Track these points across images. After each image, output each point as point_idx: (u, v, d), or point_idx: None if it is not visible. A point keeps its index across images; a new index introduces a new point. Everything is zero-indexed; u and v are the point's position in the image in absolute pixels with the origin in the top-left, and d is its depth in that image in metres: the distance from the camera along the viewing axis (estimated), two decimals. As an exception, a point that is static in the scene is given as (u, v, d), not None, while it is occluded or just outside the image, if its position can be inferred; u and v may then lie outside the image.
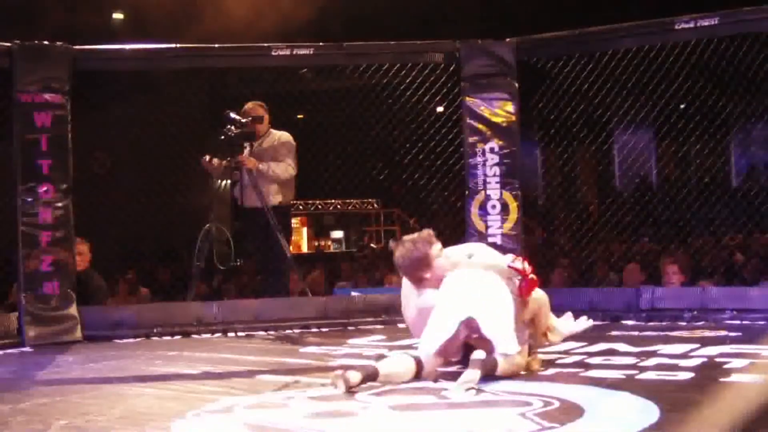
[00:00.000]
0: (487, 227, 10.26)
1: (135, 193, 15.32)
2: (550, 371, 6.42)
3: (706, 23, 9.71)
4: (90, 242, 10.60)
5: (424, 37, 11.02)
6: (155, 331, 9.48)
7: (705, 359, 6.69)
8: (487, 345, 6.09)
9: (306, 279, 11.57)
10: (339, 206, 33.67)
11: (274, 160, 10.29)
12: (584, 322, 6.90)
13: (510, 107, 10.35)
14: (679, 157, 13.26)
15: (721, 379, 5.90)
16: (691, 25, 9.76)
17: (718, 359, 6.66)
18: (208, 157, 10.32)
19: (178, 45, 10.39)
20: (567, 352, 7.17)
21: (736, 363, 6.43)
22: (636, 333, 8.47)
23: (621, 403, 5.28)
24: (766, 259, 12.49)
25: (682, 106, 11.53)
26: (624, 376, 6.12)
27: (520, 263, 6.39)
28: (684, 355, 6.86)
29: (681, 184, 12.03)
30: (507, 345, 6.06)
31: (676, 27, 9.87)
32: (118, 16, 19.88)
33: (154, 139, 14.06)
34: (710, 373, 6.12)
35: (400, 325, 9.64)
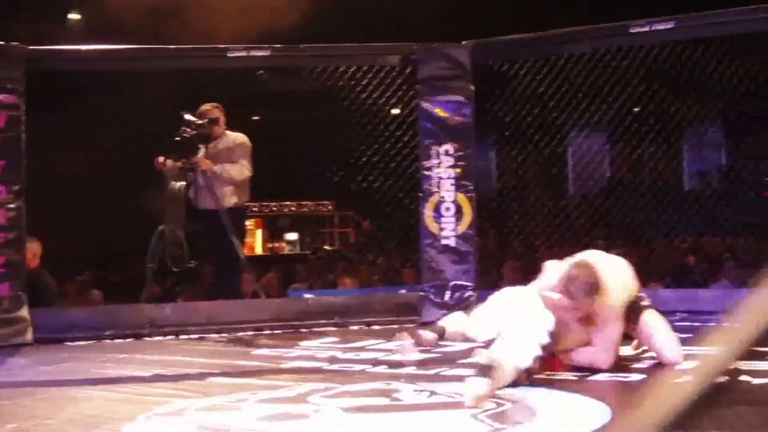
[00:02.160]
0: (441, 229, 10.26)
1: (88, 193, 15.25)
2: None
3: (661, 27, 9.77)
4: (39, 240, 10.51)
5: (380, 40, 11.02)
6: (107, 333, 9.41)
7: (656, 361, 6.72)
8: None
9: (260, 281, 11.54)
10: (294, 208, 33.63)
11: (230, 161, 10.24)
12: None
13: (465, 110, 10.36)
14: (632, 160, 13.34)
15: (673, 381, 5.91)
16: (646, 29, 9.82)
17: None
18: (161, 159, 10.27)
19: (134, 46, 10.35)
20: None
21: (686, 364, 6.47)
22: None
23: (573, 404, 5.30)
24: (716, 262, 12.57)
25: (636, 110, 11.60)
26: (576, 378, 6.14)
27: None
28: (636, 357, 6.89)
29: (634, 187, 12.08)
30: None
31: (631, 31, 9.91)
32: (74, 16, 19.78)
33: (108, 140, 13.99)
34: (661, 375, 6.15)
35: (353, 328, 9.67)
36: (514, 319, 6.03)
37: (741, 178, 14.30)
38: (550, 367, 6.26)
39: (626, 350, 6.89)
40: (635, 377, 6.13)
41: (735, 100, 11.16)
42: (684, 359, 6.40)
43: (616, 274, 6.37)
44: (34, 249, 10.23)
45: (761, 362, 6.38)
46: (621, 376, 6.14)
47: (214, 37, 12.45)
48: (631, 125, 11.63)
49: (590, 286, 6.05)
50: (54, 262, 11.46)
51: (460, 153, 10.31)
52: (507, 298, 6.37)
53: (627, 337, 6.66)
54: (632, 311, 6.54)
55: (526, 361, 5.81)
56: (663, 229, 12.93)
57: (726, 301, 9.00)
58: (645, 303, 6.60)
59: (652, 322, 6.52)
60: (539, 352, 5.90)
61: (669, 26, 9.79)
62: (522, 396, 5.46)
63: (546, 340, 5.93)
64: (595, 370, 6.29)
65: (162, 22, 13.77)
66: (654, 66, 10.63)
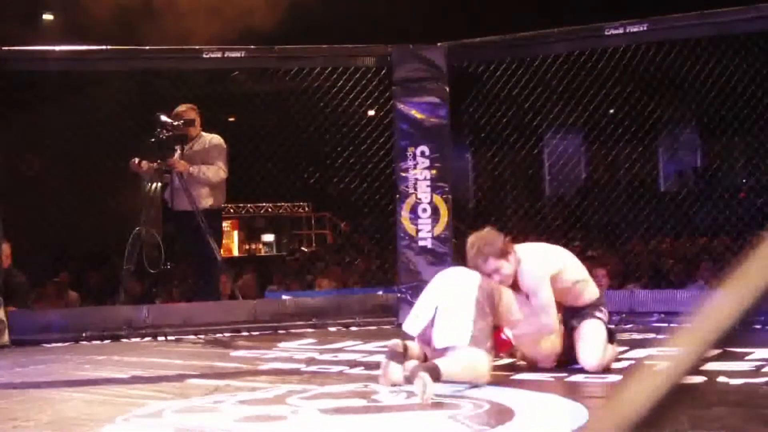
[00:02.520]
0: (417, 231, 10.28)
1: (64, 195, 15.18)
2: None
3: (635, 29, 9.82)
4: (9, 242, 10.49)
5: (355, 41, 11.04)
6: (84, 335, 9.39)
7: (633, 361, 6.77)
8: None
9: (237, 282, 11.53)
10: (270, 209, 33.60)
11: (205, 163, 10.24)
12: None
13: (441, 111, 10.38)
14: (608, 162, 13.39)
15: (641, 380, 5.94)
16: (621, 31, 9.87)
17: (646, 361, 6.73)
18: (137, 160, 10.26)
19: (109, 47, 10.33)
20: (497, 356, 7.20)
21: (663, 365, 6.49)
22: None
23: (550, 405, 5.33)
24: (693, 263, 12.64)
25: (611, 111, 11.64)
26: (553, 379, 6.18)
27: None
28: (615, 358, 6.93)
29: (610, 188, 12.13)
30: (452, 338, 6.08)
31: (606, 33, 9.96)
32: (47, 17, 19.71)
33: (83, 141, 13.94)
34: (632, 374, 6.17)
35: (331, 329, 9.68)
36: (445, 300, 6.27)
37: (716, 179, 14.38)
38: (499, 346, 6.39)
39: None
40: (612, 378, 6.16)
41: (710, 102, 11.20)
42: (602, 368, 6.45)
43: (540, 251, 6.75)
44: (4, 250, 10.20)
45: (739, 363, 6.43)
46: (598, 377, 6.17)
47: (189, 38, 12.39)
48: (606, 127, 11.67)
49: (490, 249, 6.43)
50: (31, 265, 11.45)
51: (436, 154, 10.33)
52: (440, 282, 6.50)
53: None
54: (577, 314, 6.64)
55: (464, 341, 6.03)
56: (639, 230, 12.98)
57: (702, 302, 9.06)
58: (597, 314, 6.66)
59: (588, 327, 6.61)
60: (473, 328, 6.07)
61: (643, 28, 9.85)
62: (500, 397, 5.49)
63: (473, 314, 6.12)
64: (573, 370, 6.33)
65: (136, 23, 13.72)
66: (629, 68, 10.66)
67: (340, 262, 15.50)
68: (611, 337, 6.74)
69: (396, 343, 6.19)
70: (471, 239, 6.59)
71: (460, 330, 6.08)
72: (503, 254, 6.48)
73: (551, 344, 6.61)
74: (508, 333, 6.36)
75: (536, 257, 6.63)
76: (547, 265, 6.61)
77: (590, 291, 6.77)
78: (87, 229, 16.01)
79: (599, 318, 6.66)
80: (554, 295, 6.55)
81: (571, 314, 6.72)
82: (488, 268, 6.44)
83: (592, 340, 6.57)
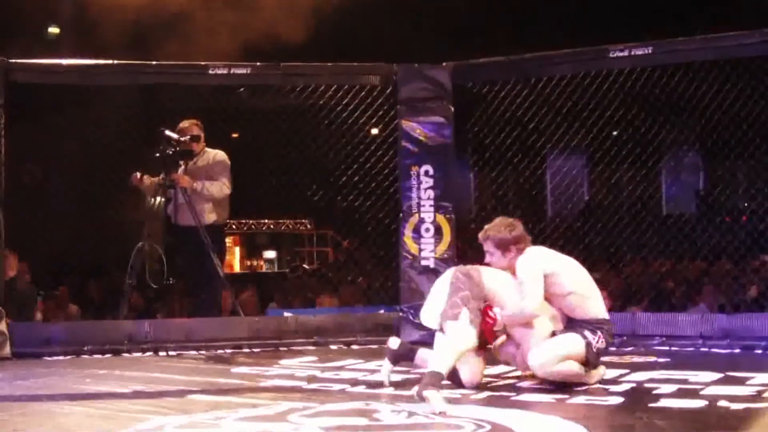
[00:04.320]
0: (420, 250, 10.29)
1: (66, 207, 15.19)
2: (482, 395, 6.46)
3: (640, 52, 9.84)
4: (16, 253, 10.53)
5: (361, 60, 11.05)
6: (85, 348, 9.39)
7: (634, 384, 6.77)
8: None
9: (237, 299, 11.52)
10: (272, 226, 33.57)
11: (209, 178, 10.25)
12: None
13: (445, 131, 10.40)
14: (611, 184, 13.38)
15: (650, 405, 5.97)
16: (625, 53, 9.89)
17: (647, 384, 6.75)
18: (138, 175, 10.28)
19: (115, 61, 10.35)
20: (498, 376, 7.21)
21: (664, 388, 6.51)
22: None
23: (552, 427, 5.33)
24: (694, 286, 12.62)
25: (614, 133, 11.64)
26: (554, 400, 6.18)
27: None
28: (613, 380, 6.93)
29: (612, 210, 12.11)
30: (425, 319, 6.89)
31: (611, 55, 9.98)
32: (53, 30, 19.75)
33: (87, 154, 13.95)
34: (639, 398, 6.19)
35: (332, 347, 9.67)
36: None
37: (719, 203, 14.37)
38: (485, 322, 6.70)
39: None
40: (613, 400, 6.16)
41: (713, 125, 11.20)
42: (545, 373, 6.63)
43: (546, 252, 7.05)
44: (11, 261, 10.22)
45: (740, 387, 6.43)
46: (599, 399, 6.17)
47: (195, 53, 12.42)
48: (609, 148, 11.66)
49: (493, 234, 6.94)
50: (31, 277, 11.46)
51: (440, 174, 10.34)
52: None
53: None
54: (567, 326, 6.76)
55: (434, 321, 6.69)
56: (641, 252, 12.97)
57: (703, 325, 9.06)
58: (585, 332, 6.72)
59: (559, 336, 6.75)
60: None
61: (647, 51, 9.87)
62: (501, 418, 5.49)
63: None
64: (574, 392, 6.33)
65: (144, 39, 13.76)
66: (633, 90, 10.67)
67: (342, 280, 15.47)
68: (590, 360, 6.76)
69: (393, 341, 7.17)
70: (496, 219, 7.10)
71: (431, 312, 6.75)
72: (501, 246, 6.92)
73: (538, 331, 6.72)
74: (496, 311, 6.69)
75: (536, 254, 6.92)
76: (543, 263, 6.84)
77: (588, 308, 6.83)
78: (88, 242, 16.01)
79: (583, 336, 6.68)
80: (548, 299, 6.77)
81: (568, 325, 6.79)
82: (484, 247, 7.04)
83: (548, 345, 6.68)
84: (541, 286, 6.70)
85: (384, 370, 7.11)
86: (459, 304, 6.56)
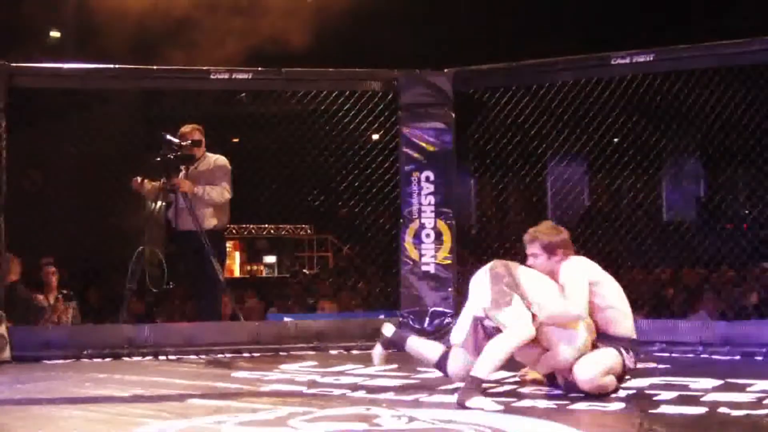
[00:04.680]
0: (420, 256, 10.29)
1: (66, 211, 15.20)
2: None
3: (642, 59, 9.85)
4: (18, 257, 10.54)
5: (362, 65, 11.05)
6: (85, 352, 9.37)
7: (635, 390, 6.76)
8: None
9: (243, 306, 11.52)
10: (272, 231, 33.59)
11: (210, 183, 10.24)
12: None
13: (446, 137, 10.40)
14: (611, 191, 13.38)
15: (651, 411, 5.97)
16: (627, 60, 9.89)
17: (647, 391, 6.75)
18: (138, 179, 10.27)
19: (117, 66, 10.35)
20: (499, 382, 7.21)
21: (665, 395, 6.51)
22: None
23: (552, 433, 5.33)
24: (695, 293, 12.63)
25: (615, 140, 11.64)
26: (555, 406, 6.17)
27: None
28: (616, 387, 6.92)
29: (613, 217, 12.11)
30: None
31: (612, 62, 9.98)
32: (55, 34, 19.77)
33: (87, 159, 13.96)
34: (640, 405, 6.19)
35: (332, 352, 9.66)
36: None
37: (720, 210, 14.38)
38: None
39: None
40: (613, 406, 6.16)
41: (714, 133, 11.21)
42: (593, 386, 6.55)
43: (591, 263, 7.00)
44: (12, 266, 10.23)
45: (741, 394, 6.43)
46: (599, 405, 6.17)
47: (197, 59, 12.42)
48: (610, 155, 11.67)
49: (541, 237, 6.90)
50: (31, 281, 11.46)
51: (441, 180, 10.35)
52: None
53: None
54: (601, 340, 6.72)
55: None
56: (642, 259, 12.98)
57: (704, 332, 9.06)
58: (620, 348, 6.71)
59: (600, 350, 6.71)
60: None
61: (649, 58, 9.87)
62: (502, 424, 5.49)
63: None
64: (575, 399, 6.33)
65: (146, 44, 13.78)
66: (634, 97, 10.68)
67: (342, 286, 15.49)
68: (621, 377, 6.77)
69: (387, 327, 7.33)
70: (542, 222, 7.16)
71: (480, 299, 6.67)
72: (548, 248, 6.87)
73: (576, 336, 6.67)
74: (534, 308, 6.61)
75: (582, 262, 6.94)
76: (589, 272, 6.84)
77: (623, 325, 6.85)
78: (88, 247, 16.02)
79: (620, 352, 6.69)
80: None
81: (600, 340, 6.79)
82: (529, 249, 6.96)
83: (595, 358, 6.63)
84: (587, 291, 6.68)
85: (376, 352, 7.30)
86: (507, 291, 6.58)
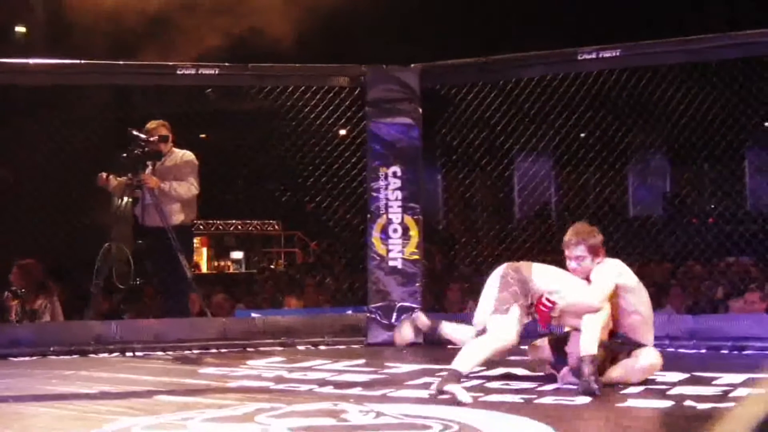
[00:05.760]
0: (388, 251, 10.28)
1: (32, 209, 15.12)
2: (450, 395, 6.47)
3: (608, 55, 9.86)
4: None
5: (326, 61, 11.05)
6: (52, 349, 9.33)
7: (601, 384, 6.79)
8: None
9: (211, 302, 11.50)
10: (240, 227, 33.53)
11: (177, 179, 10.22)
12: None
13: (413, 132, 10.40)
14: (578, 186, 13.43)
15: (617, 405, 6.00)
16: (594, 56, 9.91)
17: (614, 384, 6.77)
18: (104, 175, 10.23)
19: (82, 61, 10.30)
20: (466, 376, 7.21)
21: (631, 389, 6.54)
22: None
23: (519, 427, 5.34)
24: (661, 288, 12.68)
25: (582, 136, 11.68)
26: (522, 401, 6.19)
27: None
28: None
29: (580, 213, 12.15)
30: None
31: (579, 58, 10.00)
32: (20, 29, 19.67)
33: (56, 156, 13.88)
34: (607, 398, 6.22)
35: (300, 348, 9.66)
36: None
37: (686, 205, 14.46)
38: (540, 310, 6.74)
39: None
40: (580, 400, 6.18)
41: (680, 129, 11.27)
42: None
43: (625, 267, 7.02)
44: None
45: (707, 387, 6.47)
46: (566, 399, 6.19)
47: (167, 55, 12.39)
48: (577, 151, 11.71)
49: (589, 239, 6.88)
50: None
51: (408, 175, 10.34)
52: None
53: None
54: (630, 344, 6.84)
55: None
56: (608, 254, 13.01)
57: (670, 327, 9.10)
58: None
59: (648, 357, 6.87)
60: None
61: (616, 54, 9.89)
62: (470, 418, 5.50)
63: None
64: (543, 393, 6.36)
65: (119, 41, 13.73)
66: (601, 93, 10.71)
67: (310, 281, 15.47)
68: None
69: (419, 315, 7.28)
70: (579, 224, 7.05)
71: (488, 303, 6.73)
72: (593, 250, 6.85)
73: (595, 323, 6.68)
74: (555, 297, 6.67)
75: (615, 264, 6.95)
76: (621, 274, 6.87)
77: (646, 333, 6.93)
78: (55, 244, 15.94)
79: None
80: (614, 312, 6.81)
81: (624, 346, 6.90)
82: (574, 252, 6.87)
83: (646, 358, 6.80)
84: (610, 289, 6.73)
85: (405, 334, 7.22)
86: (510, 300, 6.63)
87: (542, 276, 6.79)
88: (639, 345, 6.85)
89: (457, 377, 6.31)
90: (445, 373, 6.39)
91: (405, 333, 7.22)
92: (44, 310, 11.06)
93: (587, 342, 6.46)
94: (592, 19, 18.26)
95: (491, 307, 6.68)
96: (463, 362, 6.41)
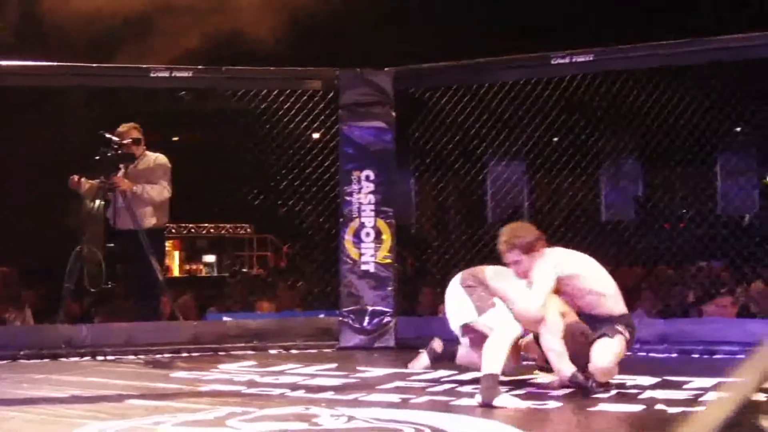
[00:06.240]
0: (360, 255, 10.28)
1: (3, 211, 15.05)
2: (422, 399, 6.47)
3: (582, 59, 9.90)
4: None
5: (299, 64, 11.04)
6: (22, 353, 9.28)
7: (573, 389, 6.80)
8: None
9: (176, 303, 11.45)
10: (212, 230, 33.47)
11: (149, 182, 10.19)
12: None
13: (387, 136, 10.40)
14: (550, 190, 13.44)
15: (589, 409, 6.01)
16: (567, 60, 9.94)
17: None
18: (76, 177, 10.20)
19: (56, 63, 10.27)
20: (438, 381, 7.23)
21: (603, 392, 6.55)
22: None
23: (490, 430, 5.34)
24: (633, 292, 12.71)
25: (555, 139, 11.70)
26: (494, 405, 6.19)
27: None
28: (553, 385, 6.95)
29: (552, 217, 12.17)
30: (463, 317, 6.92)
31: (552, 62, 10.03)
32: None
33: (28, 158, 13.84)
34: (578, 402, 6.23)
35: (272, 352, 9.65)
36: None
37: (657, 209, 14.47)
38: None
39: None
40: (552, 404, 6.19)
41: (652, 132, 11.31)
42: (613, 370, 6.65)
43: (563, 255, 7.02)
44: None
45: (678, 391, 6.49)
46: (538, 404, 6.20)
47: (140, 57, 12.36)
48: (550, 155, 11.73)
49: (518, 241, 6.83)
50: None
51: (381, 179, 10.35)
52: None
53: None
54: (599, 324, 6.82)
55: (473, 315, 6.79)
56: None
57: (642, 330, 9.12)
58: (618, 327, 6.80)
59: (605, 339, 6.74)
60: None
61: (589, 58, 9.93)
62: (441, 422, 5.50)
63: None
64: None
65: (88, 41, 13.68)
66: (573, 97, 10.74)
67: (282, 285, 15.43)
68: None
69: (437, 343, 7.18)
70: (506, 227, 7.01)
71: (464, 309, 6.80)
72: (528, 250, 6.80)
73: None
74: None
75: (553, 257, 6.88)
76: (559, 266, 6.83)
77: (607, 306, 6.90)
78: (26, 246, 15.87)
79: (620, 332, 6.77)
80: (567, 296, 6.87)
81: (593, 323, 6.88)
82: (509, 259, 6.85)
83: (608, 348, 6.72)
84: (549, 289, 6.74)
85: (421, 363, 7.28)
86: (486, 297, 6.75)
87: (497, 281, 6.88)
88: (610, 319, 6.83)
89: (494, 380, 6.27)
90: (481, 383, 6.32)
91: (422, 361, 7.23)
92: (12, 322, 11.04)
93: (490, 362, 6.39)
94: (565, 23, 18.30)
95: (471, 312, 6.74)
96: (491, 364, 6.35)
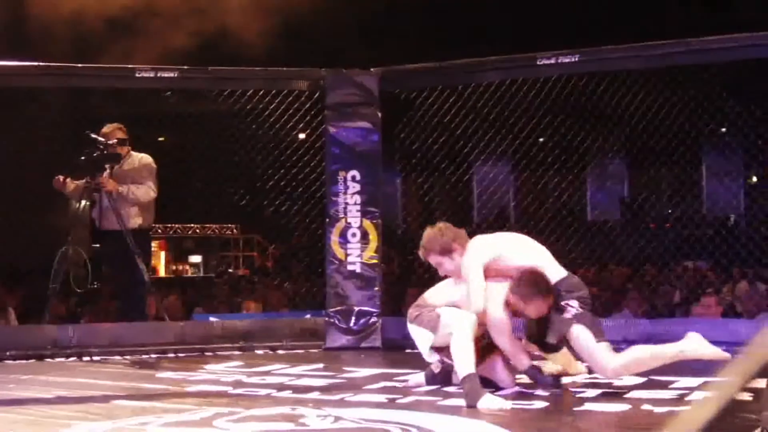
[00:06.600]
0: (347, 255, 10.28)
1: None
2: (409, 399, 6.47)
3: (567, 60, 9.90)
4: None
5: (285, 64, 11.03)
6: (8, 353, 9.26)
7: (559, 389, 6.81)
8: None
9: (162, 303, 11.45)
10: (198, 231, 33.43)
11: (135, 182, 10.17)
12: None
13: (373, 136, 10.40)
14: (537, 190, 13.47)
15: (575, 408, 6.02)
16: (553, 61, 9.94)
17: (571, 389, 6.79)
18: (61, 178, 10.18)
19: (40, 63, 10.24)
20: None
21: (589, 392, 6.57)
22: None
23: (477, 431, 5.35)
24: (618, 292, 12.76)
25: (541, 140, 11.72)
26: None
27: None
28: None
29: (538, 217, 12.20)
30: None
31: (538, 63, 10.03)
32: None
33: (11, 157, 13.80)
34: (565, 402, 6.24)
35: (258, 352, 9.64)
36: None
37: (643, 210, 14.55)
38: None
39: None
40: (538, 404, 6.20)
41: (638, 133, 11.34)
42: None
43: (481, 241, 6.97)
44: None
45: (664, 391, 6.50)
46: (524, 404, 6.21)
47: (127, 56, 12.32)
48: (536, 156, 11.76)
49: (431, 246, 6.94)
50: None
51: (367, 179, 10.33)
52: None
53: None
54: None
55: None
56: (566, 258, 13.08)
57: (627, 330, 9.15)
58: (569, 301, 6.73)
59: (581, 336, 6.65)
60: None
61: (575, 59, 9.93)
62: (428, 422, 5.50)
63: None
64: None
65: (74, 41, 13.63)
66: (559, 98, 10.76)
67: (269, 285, 15.44)
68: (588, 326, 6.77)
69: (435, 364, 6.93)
70: (424, 234, 7.05)
71: (423, 338, 6.82)
72: (444, 252, 6.85)
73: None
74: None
75: (474, 248, 6.85)
76: (481, 255, 6.80)
77: (548, 275, 6.80)
78: (11, 247, 15.84)
79: (569, 312, 6.70)
80: (503, 278, 6.74)
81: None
82: (432, 263, 6.95)
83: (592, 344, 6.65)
84: (480, 282, 6.71)
85: (415, 380, 7.18)
86: (431, 313, 6.77)
87: (435, 297, 6.97)
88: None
89: (474, 380, 6.24)
90: (463, 387, 6.30)
91: (417, 379, 7.20)
92: None
93: (461, 363, 6.38)
94: (551, 24, 18.32)
95: (428, 335, 6.77)
96: (463, 365, 6.34)
